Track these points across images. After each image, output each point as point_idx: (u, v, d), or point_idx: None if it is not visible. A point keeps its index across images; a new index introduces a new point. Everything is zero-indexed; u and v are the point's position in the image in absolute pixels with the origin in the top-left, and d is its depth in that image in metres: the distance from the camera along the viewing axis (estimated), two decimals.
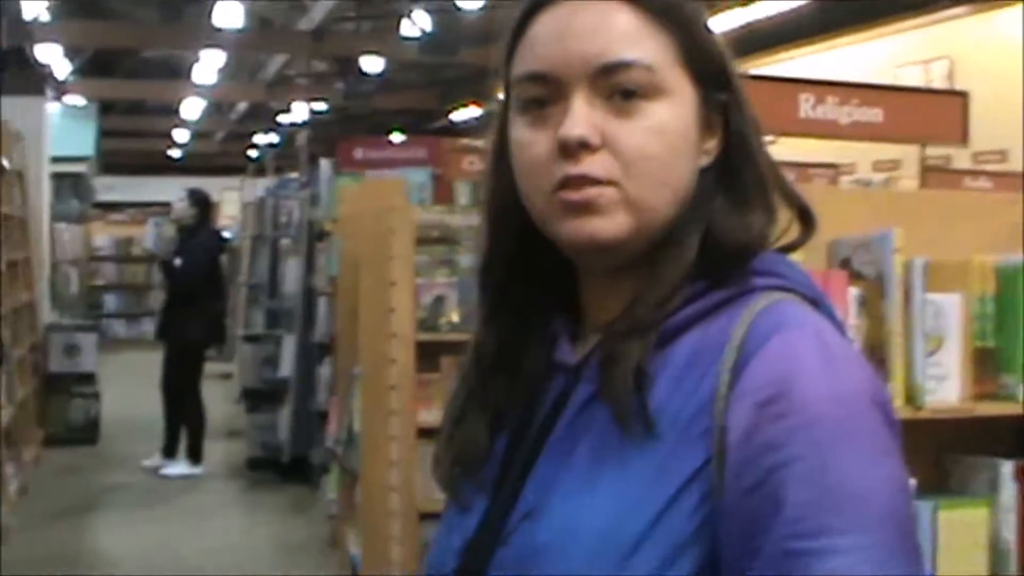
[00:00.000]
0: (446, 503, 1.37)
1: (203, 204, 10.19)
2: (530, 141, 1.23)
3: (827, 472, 1.06)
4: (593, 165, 1.19)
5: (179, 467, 10.23)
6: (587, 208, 1.20)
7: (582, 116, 1.20)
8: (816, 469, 1.07)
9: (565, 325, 1.30)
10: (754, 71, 13.20)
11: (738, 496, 1.10)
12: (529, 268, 1.32)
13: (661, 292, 1.22)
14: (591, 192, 1.19)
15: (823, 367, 1.12)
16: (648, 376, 1.18)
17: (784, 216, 1.29)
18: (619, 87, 1.21)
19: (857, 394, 1.12)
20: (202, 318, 9.99)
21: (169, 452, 10.35)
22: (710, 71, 1.26)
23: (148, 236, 10.99)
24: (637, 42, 1.22)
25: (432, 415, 4.92)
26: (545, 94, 1.23)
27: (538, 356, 1.31)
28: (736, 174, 1.26)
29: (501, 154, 1.30)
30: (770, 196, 1.27)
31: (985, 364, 2.84)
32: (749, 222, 1.24)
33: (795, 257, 2.66)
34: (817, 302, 1.24)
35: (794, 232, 1.31)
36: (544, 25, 1.24)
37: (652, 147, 1.20)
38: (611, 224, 1.20)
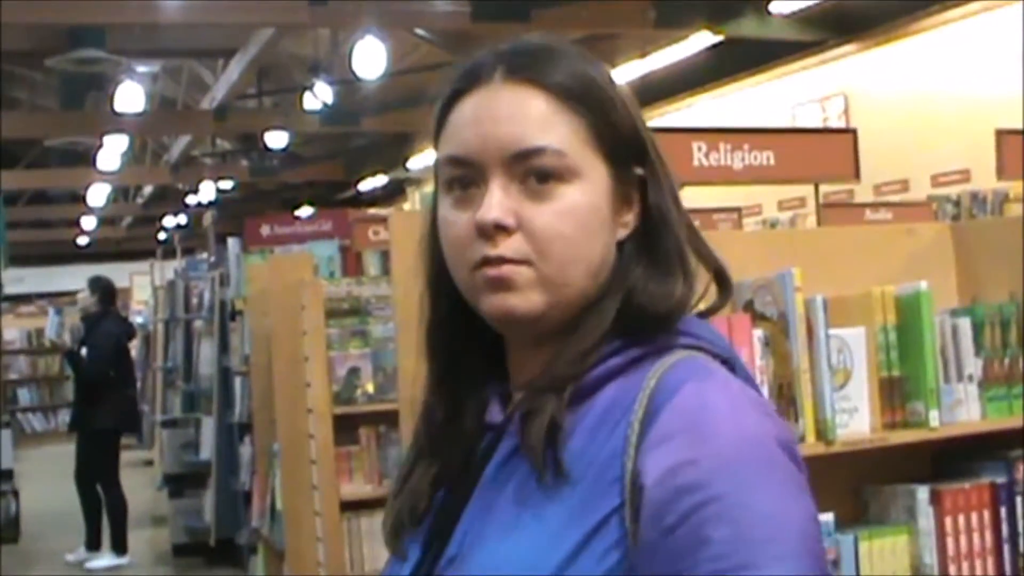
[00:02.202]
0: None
1: (105, 291, 10.13)
2: (453, 221, 1.31)
3: (745, 509, 1.14)
4: (508, 247, 1.27)
5: (104, 559, 10.06)
6: (504, 285, 1.28)
7: (497, 201, 1.27)
8: (735, 507, 1.14)
9: (497, 388, 1.37)
10: (654, 121, 13.36)
11: (658, 535, 1.16)
12: (467, 334, 1.39)
13: (577, 351, 1.29)
14: (507, 270, 1.27)
15: (731, 413, 1.20)
16: (561, 428, 1.25)
17: (702, 280, 1.37)
18: (532, 171, 1.28)
19: (764, 436, 1.20)
20: (113, 406, 9.89)
21: (93, 545, 10.18)
22: (624, 148, 1.33)
23: (50, 326, 10.89)
24: (549, 128, 1.29)
25: (354, 488, 4.89)
26: (465, 175, 1.31)
27: (474, 418, 1.38)
28: (656, 244, 1.33)
29: (434, 227, 1.37)
30: (688, 264, 1.34)
31: (893, 393, 2.87)
32: (670, 291, 1.31)
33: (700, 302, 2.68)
34: (729, 361, 1.31)
35: (711, 295, 1.39)
36: (464, 111, 1.32)
37: (564, 228, 1.28)
38: (526, 301, 1.28)
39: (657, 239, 1.33)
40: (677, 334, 1.30)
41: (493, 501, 1.29)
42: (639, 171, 1.34)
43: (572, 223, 1.28)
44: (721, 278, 1.38)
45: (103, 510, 10.13)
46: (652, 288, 1.31)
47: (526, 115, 1.29)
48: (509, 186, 1.28)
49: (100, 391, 9.82)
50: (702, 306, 1.38)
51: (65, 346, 10.25)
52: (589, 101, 1.32)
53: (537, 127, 1.29)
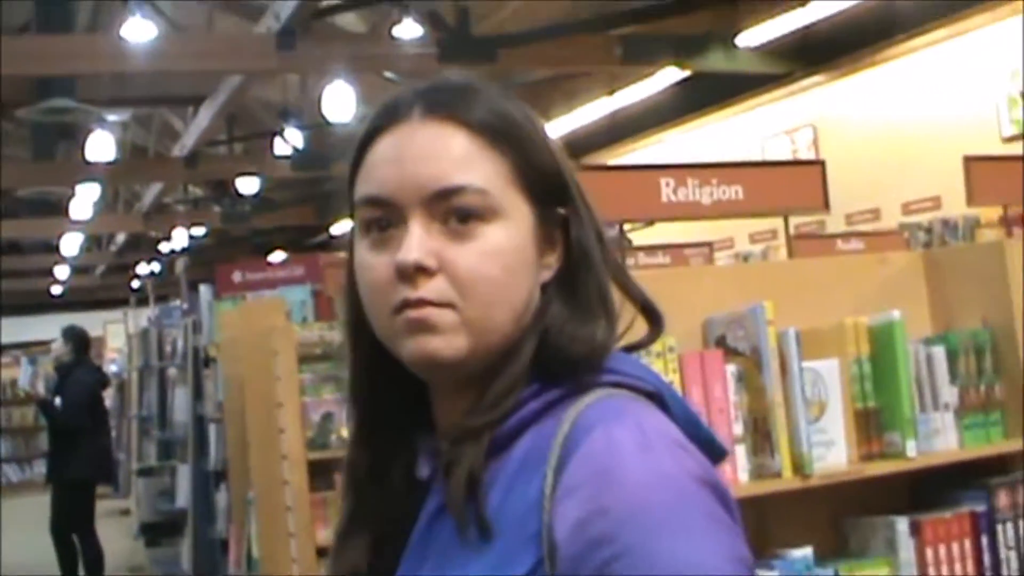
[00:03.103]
0: None
1: (79, 341, 10.13)
2: (372, 264, 1.25)
3: (655, 558, 1.08)
4: (430, 289, 1.22)
5: None
6: (425, 328, 1.22)
7: (417, 241, 1.22)
8: (645, 557, 1.08)
9: (426, 440, 1.31)
10: (623, 157, 13.40)
11: None
12: (391, 383, 1.33)
13: (491, 398, 1.24)
14: (428, 312, 1.22)
15: (641, 454, 1.14)
16: (480, 482, 1.20)
17: (629, 313, 1.32)
18: (453, 211, 1.23)
19: (679, 475, 1.14)
20: (88, 455, 9.86)
21: None
22: (547, 188, 1.29)
23: (23, 376, 10.89)
24: (470, 166, 1.24)
25: (330, 534, 4.84)
26: (384, 217, 1.25)
27: (403, 472, 1.32)
28: (577, 285, 1.29)
29: (353, 272, 1.31)
30: (611, 305, 1.29)
31: (869, 424, 2.86)
32: (591, 333, 1.26)
33: (670, 339, 2.68)
34: (657, 395, 1.26)
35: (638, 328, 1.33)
36: (382, 150, 1.27)
37: (487, 269, 1.23)
38: (449, 345, 1.22)
39: (578, 280, 1.29)
40: (599, 371, 1.25)
41: (422, 562, 1.24)
42: (561, 211, 1.29)
43: (497, 264, 1.23)
44: (650, 315, 1.32)
45: (80, 560, 10.05)
46: (570, 330, 1.25)
47: (446, 153, 1.24)
48: (430, 226, 1.23)
49: (74, 441, 9.78)
50: (630, 340, 1.33)
51: (39, 396, 10.21)
52: (511, 139, 1.27)
53: (458, 165, 1.24)
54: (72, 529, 9.98)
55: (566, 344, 1.25)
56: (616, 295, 1.31)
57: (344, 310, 1.35)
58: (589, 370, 1.24)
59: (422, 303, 1.21)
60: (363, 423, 1.36)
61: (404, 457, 1.32)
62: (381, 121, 1.28)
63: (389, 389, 1.33)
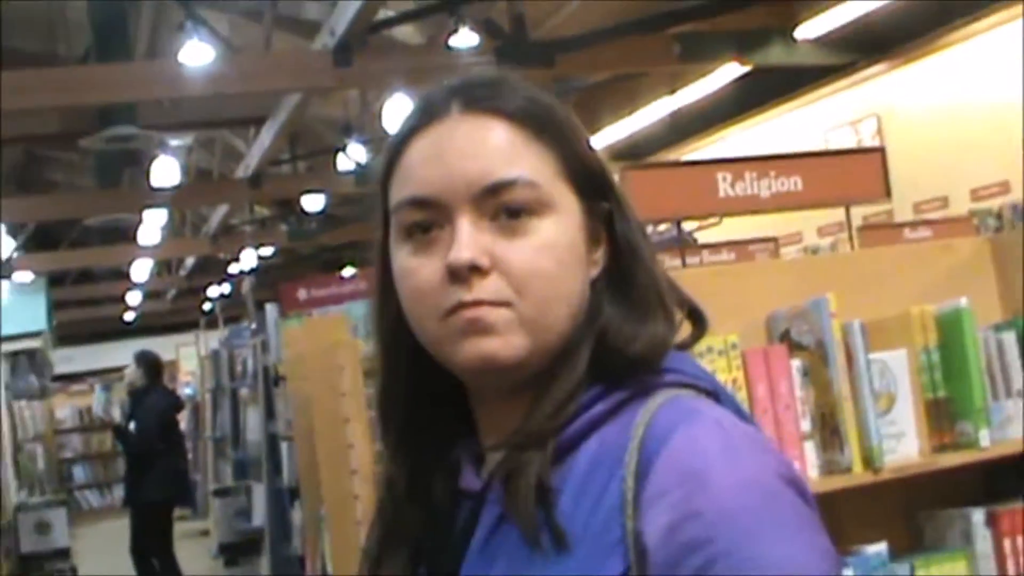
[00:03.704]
0: None
1: (151, 365, 10.23)
2: (416, 268, 1.20)
3: (754, 561, 1.04)
4: (485, 289, 1.17)
5: None
6: (482, 329, 1.17)
7: (469, 239, 1.17)
8: (743, 560, 1.04)
9: (468, 449, 1.27)
10: (686, 156, 13.31)
11: None
12: (427, 394, 1.29)
13: (554, 403, 1.19)
14: (484, 311, 1.16)
15: (728, 456, 1.10)
16: (550, 489, 1.15)
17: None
18: (505, 206, 1.18)
19: (766, 476, 1.10)
20: (163, 478, 9.97)
21: None
22: (591, 181, 1.24)
23: (97, 402, 11.04)
24: (518, 159, 1.19)
25: None
26: (428, 219, 1.20)
27: (445, 484, 1.27)
28: (629, 281, 1.24)
29: (385, 282, 1.26)
30: (668, 301, 1.24)
31: (940, 415, 2.80)
32: (651, 332, 1.21)
33: (733, 336, 2.63)
34: (716, 394, 1.22)
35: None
36: (422, 149, 1.22)
37: (542, 265, 1.18)
38: (507, 346, 1.17)
39: (630, 276, 1.24)
40: (660, 371, 1.20)
41: (488, 570, 1.18)
42: (606, 205, 1.25)
43: (551, 259, 1.18)
44: (695, 317, 1.28)
45: None
46: (628, 329, 1.20)
47: (492, 146, 1.19)
48: (479, 223, 1.18)
49: (150, 464, 9.89)
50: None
51: (113, 422, 10.34)
52: (553, 130, 1.22)
53: (505, 158, 1.19)
54: (151, 551, 10.08)
55: (624, 344, 1.20)
56: None
57: (376, 323, 1.30)
58: (649, 370, 1.20)
59: (478, 304, 1.17)
60: (397, 437, 1.30)
61: (443, 468, 1.27)
62: (416, 121, 1.24)
63: (426, 401, 1.29)
